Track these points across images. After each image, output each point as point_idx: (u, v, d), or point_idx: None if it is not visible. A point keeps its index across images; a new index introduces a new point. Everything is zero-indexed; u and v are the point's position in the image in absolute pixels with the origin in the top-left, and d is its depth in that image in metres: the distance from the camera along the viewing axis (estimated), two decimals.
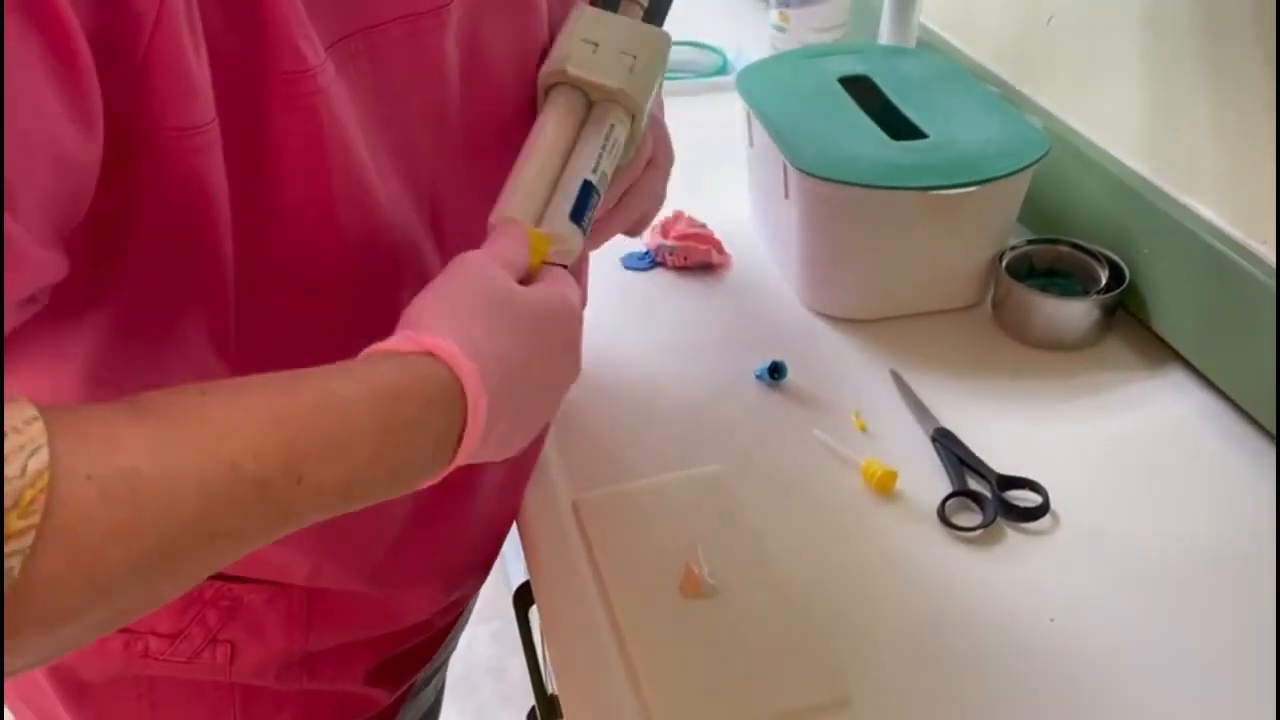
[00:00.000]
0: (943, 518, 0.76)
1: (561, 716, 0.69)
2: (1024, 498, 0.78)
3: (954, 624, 0.69)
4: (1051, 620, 0.69)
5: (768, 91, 1.01)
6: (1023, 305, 0.92)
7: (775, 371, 0.89)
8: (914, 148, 0.91)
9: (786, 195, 0.94)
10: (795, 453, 0.83)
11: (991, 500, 0.77)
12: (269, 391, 0.38)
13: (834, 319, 0.97)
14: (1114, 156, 0.95)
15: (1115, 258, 0.92)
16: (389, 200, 0.50)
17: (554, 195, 0.56)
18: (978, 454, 0.80)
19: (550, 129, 0.58)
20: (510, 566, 1.68)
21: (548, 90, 0.60)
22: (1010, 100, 1.02)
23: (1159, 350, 0.92)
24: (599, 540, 0.75)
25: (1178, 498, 0.78)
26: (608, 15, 0.62)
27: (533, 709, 0.90)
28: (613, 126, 0.59)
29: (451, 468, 0.45)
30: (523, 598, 0.83)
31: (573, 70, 0.58)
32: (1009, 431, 0.84)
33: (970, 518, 0.76)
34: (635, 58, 0.60)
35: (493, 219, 0.54)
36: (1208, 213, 0.86)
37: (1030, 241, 0.96)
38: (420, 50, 0.50)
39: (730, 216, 1.07)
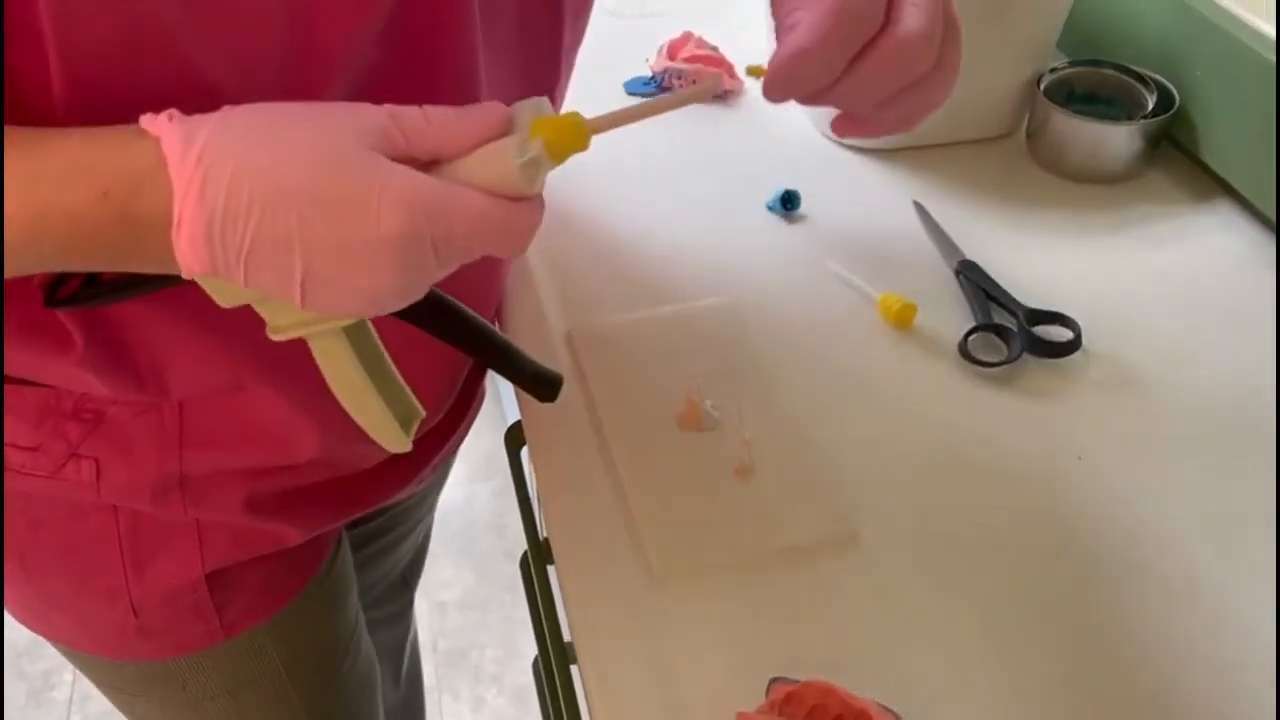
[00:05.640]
0: (964, 353, 0.70)
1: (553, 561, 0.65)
2: (1054, 333, 0.72)
3: (972, 461, 0.64)
4: (1079, 459, 0.64)
5: None
6: (1061, 132, 0.84)
7: (788, 201, 0.82)
8: None
9: None
10: (808, 286, 0.77)
11: (1018, 334, 0.71)
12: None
13: (854, 149, 0.89)
14: None
15: (1164, 81, 0.84)
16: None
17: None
18: (1005, 287, 0.74)
19: None
20: (507, 411, 1.65)
21: None
22: None
23: (1206, 183, 0.84)
24: (594, 372, 0.70)
25: (1221, 337, 0.72)
26: None
27: (524, 555, 0.86)
28: None
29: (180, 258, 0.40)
30: (515, 437, 0.79)
31: None
32: (1040, 265, 0.77)
33: (994, 353, 0.71)
34: None
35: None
36: (1270, 29, 0.77)
37: (1072, 64, 0.88)
38: None
39: (745, 39, 0.99)
